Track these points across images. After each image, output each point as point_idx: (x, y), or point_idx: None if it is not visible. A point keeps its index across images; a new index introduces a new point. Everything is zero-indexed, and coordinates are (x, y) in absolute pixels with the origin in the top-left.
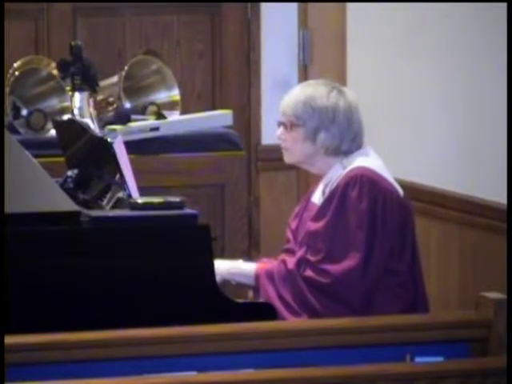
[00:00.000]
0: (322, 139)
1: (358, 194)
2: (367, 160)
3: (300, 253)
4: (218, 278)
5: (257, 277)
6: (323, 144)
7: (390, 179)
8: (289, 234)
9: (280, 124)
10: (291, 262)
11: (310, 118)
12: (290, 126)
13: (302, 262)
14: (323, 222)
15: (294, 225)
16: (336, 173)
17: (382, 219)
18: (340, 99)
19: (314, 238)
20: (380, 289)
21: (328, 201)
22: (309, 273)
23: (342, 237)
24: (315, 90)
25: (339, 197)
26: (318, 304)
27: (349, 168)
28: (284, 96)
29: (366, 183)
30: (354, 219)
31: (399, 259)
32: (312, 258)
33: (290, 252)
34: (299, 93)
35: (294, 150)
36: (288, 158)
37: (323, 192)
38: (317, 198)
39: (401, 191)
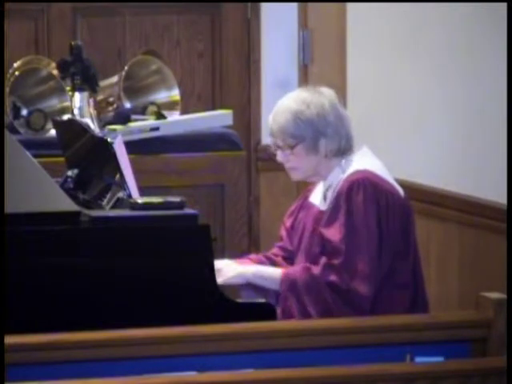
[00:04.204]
0: (323, 145)
1: (363, 198)
2: (366, 161)
3: (323, 260)
4: (240, 280)
5: (282, 282)
6: (326, 149)
7: (390, 180)
8: (283, 232)
9: (276, 148)
10: (316, 268)
11: (305, 131)
12: (289, 147)
13: (326, 268)
14: (335, 230)
15: (288, 223)
16: (336, 176)
17: (386, 221)
18: (323, 100)
19: (329, 244)
20: (382, 288)
21: (335, 207)
22: (333, 277)
23: (355, 243)
24: (297, 103)
25: (345, 202)
26: (336, 309)
27: (349, 171)
28: (269, 119)
29: (368, 186)
30: (364, 224)
31: (403, 259)
32: (332, 262)
33: (283, 250)
34: (284, 112)
35: (302, 167)
36: (296, 176)
37: (324, 195)
38: (317, 199)
39: (401, 191)
